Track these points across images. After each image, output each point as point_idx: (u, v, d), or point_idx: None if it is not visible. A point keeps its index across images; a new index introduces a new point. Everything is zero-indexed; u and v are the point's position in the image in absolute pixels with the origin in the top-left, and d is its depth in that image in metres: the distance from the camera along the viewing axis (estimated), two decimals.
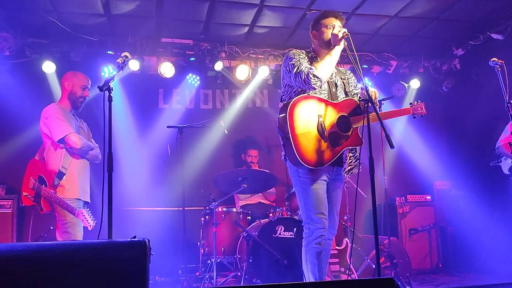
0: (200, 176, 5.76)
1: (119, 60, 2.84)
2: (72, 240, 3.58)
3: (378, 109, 2.98)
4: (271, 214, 4.75)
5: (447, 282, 5.05)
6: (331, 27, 3.15)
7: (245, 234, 4.61)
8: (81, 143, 3.66)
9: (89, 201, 3.82)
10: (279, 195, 5.73)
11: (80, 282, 1.52)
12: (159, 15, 5.14)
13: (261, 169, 5.40)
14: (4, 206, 4.84)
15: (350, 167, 3.19)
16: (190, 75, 6.00)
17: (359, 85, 3.32)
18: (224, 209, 4.97)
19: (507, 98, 3.23)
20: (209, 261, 4.70)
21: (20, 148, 5.09)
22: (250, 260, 4.40)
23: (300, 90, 3.09)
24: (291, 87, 3.15)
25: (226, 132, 5.69)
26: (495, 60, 3.32)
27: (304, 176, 3.05)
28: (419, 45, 6.11)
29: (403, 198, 5.92)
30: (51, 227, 4.41)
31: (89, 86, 3.89)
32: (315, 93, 3.06)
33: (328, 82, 3.17)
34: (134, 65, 5.40)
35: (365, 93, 2.86)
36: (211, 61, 5.80)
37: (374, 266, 4.65)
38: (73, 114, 3.84)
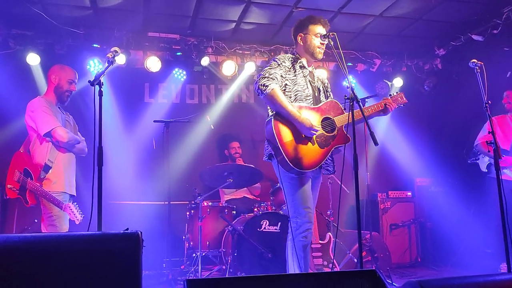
0: (186, 170, 5.79)
1: (109, 55, 2.84)
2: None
3: (362, 107, 3.06)
4: (256, 209, 4.83)
5: (425, 276, 5.21)
6: (319, 35, 3.28)
7: (230, 228, 4.67)
8: (67, 137, 3.66)
9: (75, 194, 3.82)
10: (264, 190, 5.80)
11: (74, 274, 1.55)
12: (146, 9, 5.13)
13: (247, 164, 5.46)
14: None
15: (328, 166, 3.31)
16: (176, 69, 6.01)
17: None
18: (210, 203, 5.02)
19: (485, 98, 3.34)
20: (194, 255, 4.75)
21: (4, 141, 5.03)
22: (235, 254, 4.47)
23: (284, 90, 3.17)
24: (285, 84, 3.22)
25: (212, 127, 5.73)
26: (474, 62, 3.42)
27: (293, 173, 3.13)
28: (403, 45, 6.23)
29: (385, 194, 6.07)
30: (36, 220, 4.40)
31: (76, 81, 3.87)
32: (300, 100, 3.18)
33: (312, 87, 3.30)
34: (120, 59, 5.38)
35: (350, 91, 2.94)
36: (198, 56, 5.82)
37: (356, 260, 4.77)
38: (59, 107, 3.82)
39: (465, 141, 5.49)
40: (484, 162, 5.03)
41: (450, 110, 6.42)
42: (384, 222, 5.94)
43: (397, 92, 3.46)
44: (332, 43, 3.08)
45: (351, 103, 2.92)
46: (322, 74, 3.56)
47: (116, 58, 2.92)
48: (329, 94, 3.48)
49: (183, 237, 5.01)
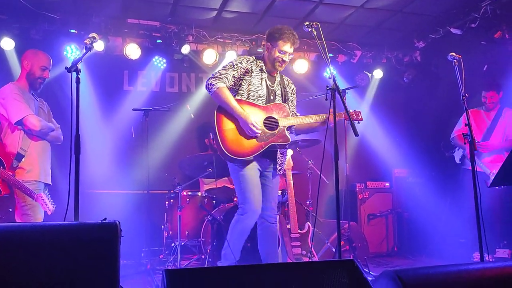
0: (165, 159, 5.74)
1: (87, 41, 2.77)
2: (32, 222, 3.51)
3: (343, 98, 3.07)
4: (235, 198, 4.82)
5: (401, 265, 5.32)
6: (284, 53, 3.46)
7: (210, 218, 4.66)
8: (40, 125, 3.57)
9: (51, 183, 3.75)
10: None
11: (50, 264, 1.52)
12: None
13: None
14: None
15: (279, 167, 3.56)
16: (156, 57, 5.91)
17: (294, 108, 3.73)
18: (189, 193, 4.99)
19: (463, 91, 3.39)
20: (173, 244, 4.73)
21: None
22: (214, 243, 4.47)
23: (238, 88, 3.45)
24: (240, 84, 3.46)
25: (193, 116, 5.68)
26: (453, 55, 3.46)
27: (239, 163, 3.40)
28: (383, 36, 6.27)
29: (363, 184, 6.15)
30: (10, 209, 4.29)
31: (50, 67, 3.75)
32: (252, 99, 3.43)
33: (268, 90, 3.53)
34: (98, 45, 5.24)
35: (332, 81, 2.95)
36: (178, 44, 5.73)
37: (334, 249, 4.83)
38: (32, 94, 3.72)
39: (442, 133, 5.58)
40: (458, 154, 5.13)
41: (429, 102, 6.51)
42: (362, 212, 6.03)
43: (354, 110, 3.55)
44: (315, 32, 3.09)
45: (332, 94, 2.93)
46: (290, 83, 3.73)
47: (94, 44, 2.85)
48: (289, 99, 3.64)
49: (162, 227, 4.98)
